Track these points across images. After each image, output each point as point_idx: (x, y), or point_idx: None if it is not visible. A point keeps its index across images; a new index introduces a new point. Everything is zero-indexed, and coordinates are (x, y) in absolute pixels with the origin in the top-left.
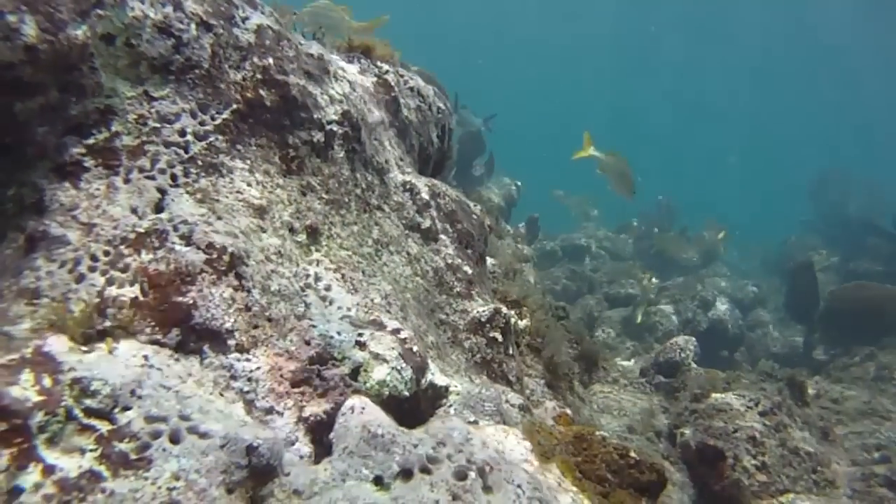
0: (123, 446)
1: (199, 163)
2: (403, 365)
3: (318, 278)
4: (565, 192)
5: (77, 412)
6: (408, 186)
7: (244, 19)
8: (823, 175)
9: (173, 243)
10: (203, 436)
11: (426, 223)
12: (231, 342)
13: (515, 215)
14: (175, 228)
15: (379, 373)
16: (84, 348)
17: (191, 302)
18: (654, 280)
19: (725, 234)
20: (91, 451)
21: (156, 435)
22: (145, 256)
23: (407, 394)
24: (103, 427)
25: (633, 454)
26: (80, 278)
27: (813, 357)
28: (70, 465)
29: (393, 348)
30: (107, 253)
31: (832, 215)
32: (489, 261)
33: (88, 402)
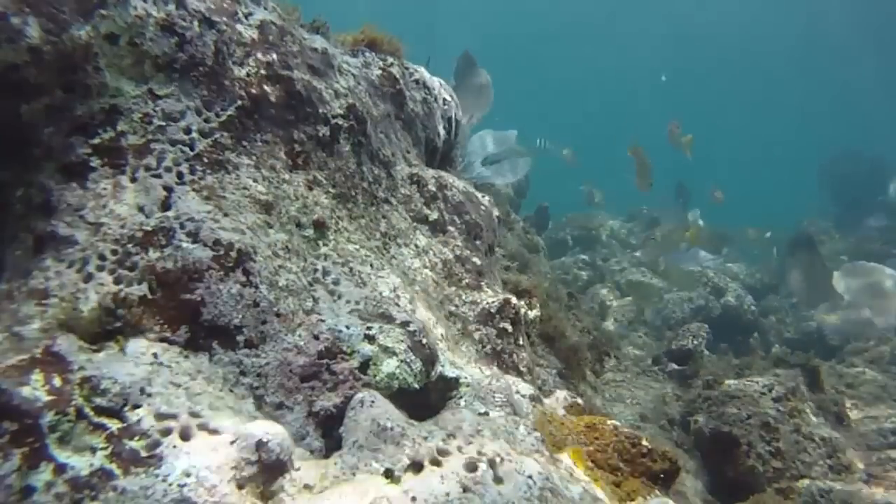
0: (134, 444)
1: (205, 160)
2: (413, 357)
3: (326, 272)
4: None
5: (87, 411)
6: (415, 179)
7: (247, 15)
8: (834, 157)
9: (180, 241)
10: (213, 432)
11: (434, 215)
12: (240, 338)
13: (524, 205)
14: (182, 226)
15: (388, 366)
16: (93, 347)
17: (199, 299)
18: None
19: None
20: (102, 449)
21: (166, 432)
22: (153, 254)
23: (417, 386)
24: (114, 425)
25: (645, 442)
26: (89, 278)
27: (827, 342)
28: (81, 463)
29: (402, 341)
30: (115, 252)
31: (842, 197)
32: (498, 251)
33: (98, 400)
